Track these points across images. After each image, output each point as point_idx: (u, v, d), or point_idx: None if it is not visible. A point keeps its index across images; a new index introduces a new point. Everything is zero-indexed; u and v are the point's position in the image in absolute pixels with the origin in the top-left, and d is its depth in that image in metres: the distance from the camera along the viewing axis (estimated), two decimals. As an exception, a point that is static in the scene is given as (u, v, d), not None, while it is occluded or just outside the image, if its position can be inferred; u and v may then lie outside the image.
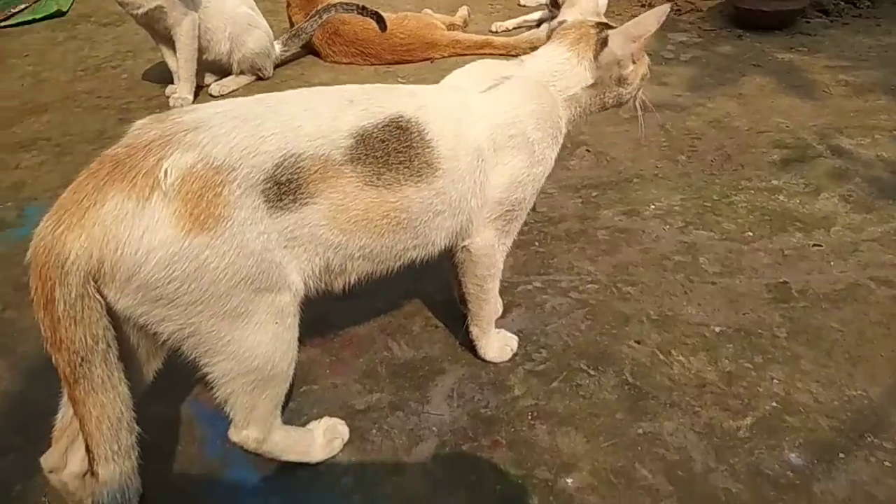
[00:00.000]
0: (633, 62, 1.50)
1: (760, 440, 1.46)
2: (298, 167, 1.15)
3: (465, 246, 1.48)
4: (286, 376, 1.26)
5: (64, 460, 1.18)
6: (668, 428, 1.49)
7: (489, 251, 1.50)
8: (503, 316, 1.81)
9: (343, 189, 1.21)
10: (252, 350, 1.17)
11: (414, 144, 1.29)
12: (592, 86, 1.51)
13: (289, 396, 1.51)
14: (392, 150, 1.26)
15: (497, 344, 1.65)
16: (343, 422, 1.49)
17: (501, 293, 1.71)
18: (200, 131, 1.09)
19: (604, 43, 1.48)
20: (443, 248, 1.44)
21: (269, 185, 1.12)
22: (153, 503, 1.32)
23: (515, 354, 1.68)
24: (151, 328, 1.08)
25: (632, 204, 2.31)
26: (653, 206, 2.29)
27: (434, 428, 1.51)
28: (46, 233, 1.01)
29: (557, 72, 1.50)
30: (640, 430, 1.49)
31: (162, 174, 1.02)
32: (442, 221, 1.37)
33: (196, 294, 1.06)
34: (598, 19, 1.56)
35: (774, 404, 1.55)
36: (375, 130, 1.25)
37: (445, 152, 1.33)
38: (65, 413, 1.17)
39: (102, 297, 1.02)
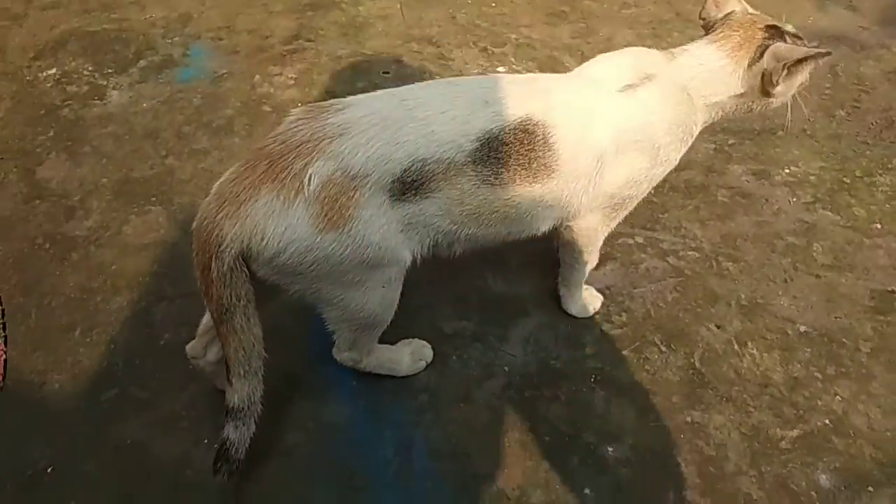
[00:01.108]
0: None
1: (798, 455, 1.57)
2: (425, 170, 1.26)
3: (568, 226, 1.57)
4: (385, 322, 1.47)
5: (204, 352, 1.48)
6: (717, 422, 1.62)
7: (591, 234, 1.58)
8: (597, 268, 1.90)
9: (461, 187, 1.31)
10: (360, 307, 1.38)
11: (536, 148, 1.35)
12: (741, 95, 1.46)
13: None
14: (514, 152, 1.33)
15: (581, 301, 1.78)
16: (429, 345, 1.71)
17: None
18: (345, 139, 1.21)
19: (762, 53, 1.40)
20: (548, 231, 1.53)
21: (395, 184, 1.25)
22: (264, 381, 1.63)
23: (597, 311, 1.81)
24: (283, 288, 1.30)
25: (765, 163, 2.23)
26: (786, 171, 2.21)
27: (506, 367, 1.71)
28: (209, 214, 1.21)
29: (708, 78, 1.45)
30: (689, 419, 1.63)
31: (307, 180, 1.17)
32: (549, 213, 1.45)
33: (322, 273, 1.26)
34: (768, 20, 1.46)
35: (827, 422, 1.63)
36: (502, 134, 1.31)
37: (565, 155, 1.38)
38: (208, 318, 1.44)
39: (248, 268, 1.23)
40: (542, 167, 1.37)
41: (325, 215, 1.19)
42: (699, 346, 1.76)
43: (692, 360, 1.73)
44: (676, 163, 1.53)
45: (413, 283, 1.83)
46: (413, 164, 1.26)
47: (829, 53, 1.44)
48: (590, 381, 1.69)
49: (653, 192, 2.04)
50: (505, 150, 1.33)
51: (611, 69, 1.49)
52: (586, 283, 1.83)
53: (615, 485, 1.51)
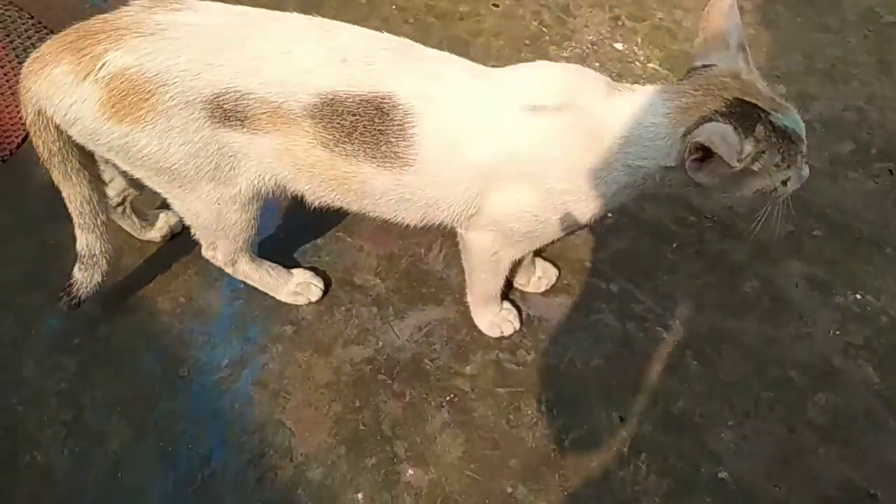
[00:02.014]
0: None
1: None
2: (243, 102, 1.17)
3: (460, 232, 1.39)
4: (237, 239, 1.44)
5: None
6: (537, 510, 1.42)
7: (484, 251, 1.39)
8: (548, 293, 1.69)
9: (293, 137, 1.20)
10: (194, 215, 1.37)
11: (389, 133, 1.18)
12: (672, 169, 1.15)
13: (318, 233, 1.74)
14: (361, 126, 1.18)
15: (489, 318, 1.60)
16: (321, 285, 1.66)
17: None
18: (154, 39, 1.14)
19: (699, 124, 1.09)
20: (424, 225, 1.37)
21: (210, 106, 1.18)
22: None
23: (507, 336, 1.62)
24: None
25: (837, 275, 1.76)
26: (855, 296, 1.73)
27: (381, 343, 1.62)
28: (30, 61, 1.22)
29: (635, 136, 1.16)
30: (510, 490, 1.44)
31: (100, 64, 1.14)
32: (409, 207, 1.30)
33: (126, 162, 1.25)
34: (753, 91, 1.12)
35: None
36: (350, 101, 1.17)
37: (428, 155, 1.20)
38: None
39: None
40: (393, 155, 1.20)
41: (113, 106, 1.16)
42: (584, 427, 1.52)
43: (563, 438, 1.50)
44: (593, 215, 1.27)
45: (361, 221, 1.78)
46: (228, 93, 1.17)
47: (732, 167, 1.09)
48: (444, 399, 1.55)
49: (669, 246, 1.76)
50: (350, 119, 1.18)
51: (532, 79, 1.24)
52: (526, 302, 1.65)
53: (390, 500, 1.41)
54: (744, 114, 1.10)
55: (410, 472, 1.46)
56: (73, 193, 1.35)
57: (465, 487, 1.44)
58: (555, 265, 1.72)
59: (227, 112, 1.18)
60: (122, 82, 1.15)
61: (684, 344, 1.63)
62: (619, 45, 2.21)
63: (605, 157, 1.19)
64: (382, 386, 1.56)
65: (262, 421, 1.51)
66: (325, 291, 1.68)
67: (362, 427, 1.51)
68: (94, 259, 1.45)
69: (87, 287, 1.49)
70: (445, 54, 1.27)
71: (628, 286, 1.72)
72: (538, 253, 1.66)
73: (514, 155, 1.21)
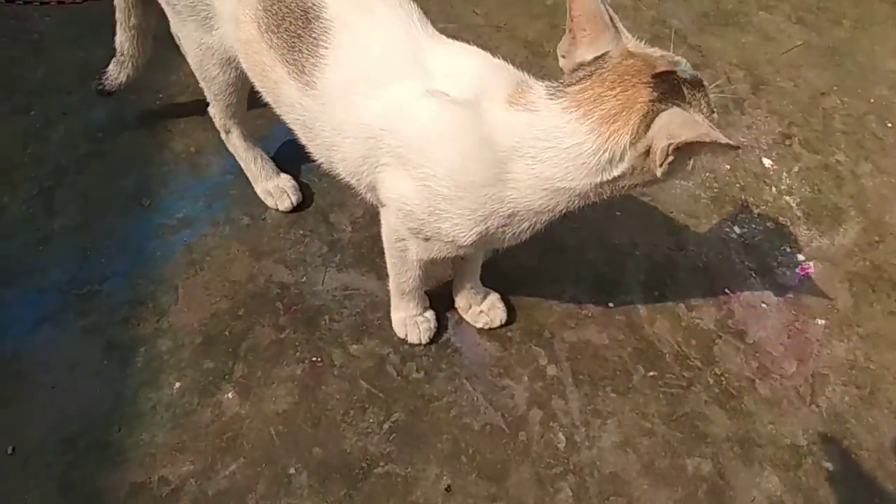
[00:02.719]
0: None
1: None
2: None
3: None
4: (217, 97, 1.48)
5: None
6: (300, 508, 1.29)
7: (389, 232, 1.28)
8: (488, 335, 1.52)
9: (243, 8, 1.19)
10: (186, 52, 1.43)
11: (304, 41, 1.14)
12: (612, 181, 1.01)
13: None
14: (287, 22, 1.15)
15: (401, 315, 1.47)
16: (295, 201, 1.65)
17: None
18: None
19: (650, 123, 0.95)
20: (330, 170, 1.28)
21: None
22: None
23: (414, 343, 1.48)
24: None
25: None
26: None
27: (305, 278, 1.57)
28: None
29: (553, 160, 1.00)
30: None
31: None
32: (313, 139, 1.22)
33: None
34: (656, 60, 0.99)
35: None
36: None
37: (329, 85, 1.14)
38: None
39: None
40: (301, 68, 1.14)
41: None
42: (405, 471, 1.34)
43: (379, 466, 1.34)
44: (478, 237, 1.11)
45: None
46: None
47: (737, 147, 0.94)
48: (310, 358, 1.46)
49: (644, 370, 1.48)
50: (283, 11, 1.15)
51: (455, 61, 1.09)
52: (457, 327, 1.51)
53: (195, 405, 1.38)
54: (670, 88, 0.95)
55: (229, 395, 1.40)
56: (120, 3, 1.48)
57: (257, 439, 1.35)
58: (511, 310, 1.53)
59: None
60: None
61: (575, 470, 1.36)
62: (767, 161, 1.88)
63: (497, 173, 1.03)
64: (272, 312, 1.51)
65: (164, 278, 1.55)
66: (298, 209, 1.66)
67: (226, 333, 1.48)
68: (124, 59, 1.59)
69: (112, 81, 1.64)
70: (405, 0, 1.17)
71: (566, 379, 1.47)
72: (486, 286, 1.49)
73: (398, 134, 1.08)
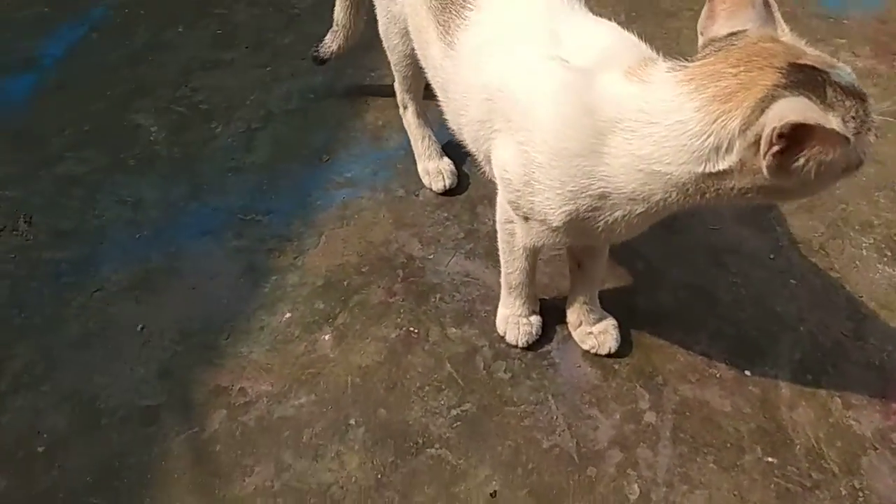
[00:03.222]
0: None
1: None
2: None
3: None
4: (397, 66, 1.58)
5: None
6: None
7: (500, 212, 1.25)
8: (594, 361, 1.41)
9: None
10: (378, 18, 1.54)
11: (454, 3, 1.13)
12: (721, 175, 0.88)
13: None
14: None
15: (505, 312, 1.42)
16: (449, 184, 1.68)
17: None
18: None
19: (765, 107, 0.82)
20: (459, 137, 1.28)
21: None
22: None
23: (511, 345, 1.42)
24: None
25: None
26: None
27: (433, 256, 1.59)
28: None
29: (653, 133, 0.90)
30: None
31: None
32: (447, 101, 1.24)
33: None
34: (799, 52, 0.87)
35: None
36: None
37: (466, 47, 1.16)
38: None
39: None
40: (447, 29, 1.16)
41: None
42: (459, 484, 1.28)
43: (413, 452, 1.30)
44: (567, 218, 1.05)
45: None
46: None
47: (847, 140, 0.80)
48: (407, 329, 1.47)
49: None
50: None
51: (588, 32, 1.00)
52: (562, 344, 1.43)
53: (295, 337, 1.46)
54: (807, 81, 0.81)
55: (326, 337, 1.46)
56: None
57: (334, 383, 1.38)
58: (627, 343, 1.40)
59: None
60: None
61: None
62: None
63: (593, 144, 0.95)
64: (391, 276, 1.55)
65: (315, 224, 1.67)
66: (450, 193, 1.69)
67: (345, 283, 1.55)
68: (337, 29, 1.75)
69: (326, 50, 1.82)
70: None
71: (664, 432, 1.30)
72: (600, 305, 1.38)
73: (510, 94, 1.05)
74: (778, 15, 0.92)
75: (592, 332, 1.40)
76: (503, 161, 1.10)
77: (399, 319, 1.47)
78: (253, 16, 2.30)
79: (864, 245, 1.62)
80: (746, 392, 1.36)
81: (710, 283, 1.55)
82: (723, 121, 0.85)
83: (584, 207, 1.01)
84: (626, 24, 1.11)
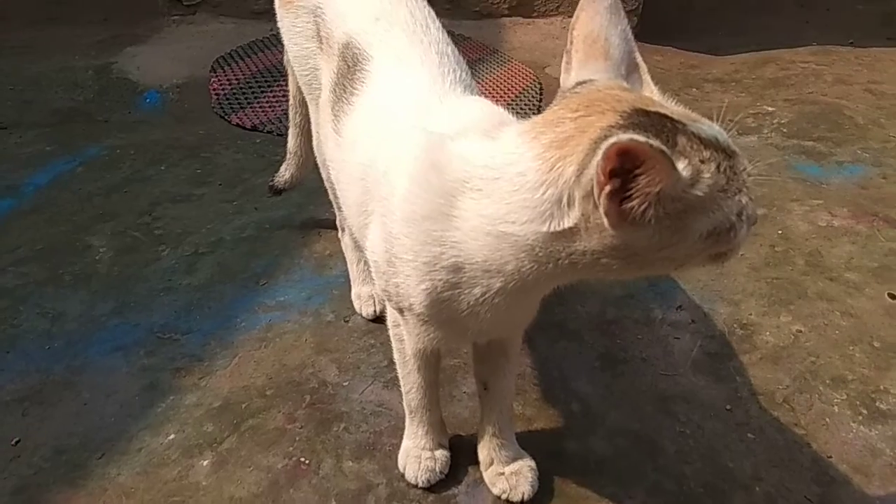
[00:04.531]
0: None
1: None
2: (322, 23, 1.28)
3: None
4: (325, 176, 1.51)
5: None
6: None
7: (388, 313, 1.13)
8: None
9: (331, 66, 1.22)
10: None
11: (346, 91, 1.11)
12: (565, 234, 0.78)
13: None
14: (341, 74, 1.14)
15: (410, 452, 1.25)
16: (373, 312, 1.59)
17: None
18: None
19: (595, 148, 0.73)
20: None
21: (315, 18, 1.31)
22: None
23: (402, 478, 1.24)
24: None
25: None
26: None
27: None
28: None
29: (497, 189, 0.82)
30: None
31: None
32: (340, 193, 1.16)
33: None
34: (653, 101, 0.79)
35: None
36: (353, 50, 1.14)
37: (349, 133, 1.08)
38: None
39: None
40: (338, 115, 1.12)
41: None
42: None
43: None
44: (428, 301, 0.93)
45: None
46: (318, 12, 1.28)
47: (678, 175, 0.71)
48: (292, 460, 1.30)
49: None
50: (345, 66, 1.14)
51: (458, 111, 0.93)
52: (473, 489, 1.25)
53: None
54: (651, 124, 0.71)
55: (204, 462, 1.29)
56: (290, 83, 1.67)
57: None
58: (547, 492, 1.20)
59: (319, 29, 1.29)
60: None
61: None
62: None
63: (442, 205, 0.86)
64: (296, 401, 1.41)
65: (232, 346, 1.57)
66: (380, 321, 1.59)
67: (242, 406, 1.41)
68: (290, 158, 1.76)
69: (280, 179, 1.82)
70: (450, 51, 1.10)
71: None
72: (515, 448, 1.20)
73: (376, 166, 0.98)
74: (647, 77, 0.86)
75: (504, 472, 1.21)
76: (371, 242, 1.01)
77: (291, 448, 1.31)
78: (235, 160, 2.37)
79: (835, 401, 1.43)
80: (684, 561, 1.12)
81: (653, 431, 1.36)
82: (559, 168, 0.76)
83: (442, 284, 0.90)
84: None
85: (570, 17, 0.87)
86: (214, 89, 2.83)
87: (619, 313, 1.67)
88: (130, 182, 2.23)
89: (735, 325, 1.64)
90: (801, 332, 1.61)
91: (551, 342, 1.58)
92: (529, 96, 2.75)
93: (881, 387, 1.45)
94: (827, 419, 1.38)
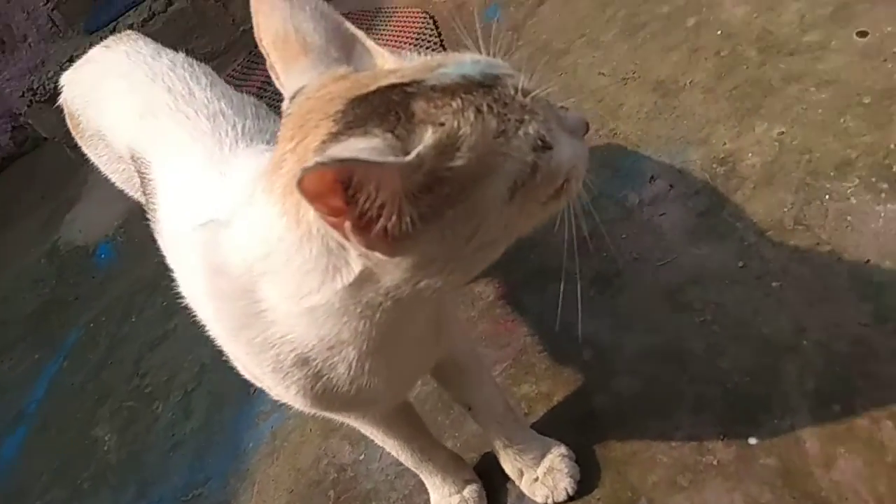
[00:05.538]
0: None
1: None
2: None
3: None
4: None
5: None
6: None
7: None
8: None
9: None
10: None
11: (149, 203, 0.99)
12: (364, 279, 0.64)
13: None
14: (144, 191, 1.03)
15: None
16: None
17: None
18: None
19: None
20: None
21: None
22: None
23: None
24: None
25: None
26: None
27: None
28: None
29: (275, 265, 0.67)
30: None
31: None
32: None
33: None
34: (364, 80, 0.63)
35: None
36: (136, 163, 1.05)
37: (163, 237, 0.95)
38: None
39: None
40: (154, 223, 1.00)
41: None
42: None
43: None
44: (306, 401, 0.80)
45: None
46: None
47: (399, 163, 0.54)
48: None
49: None
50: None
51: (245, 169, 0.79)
52: None
53: None
54: (372, 113, 0.58)
55: None
56: None
57: None
58: (593, 466, 1.07)
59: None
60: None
61: None
62: None
63: (245, 308, 0.72)
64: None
65: (248, 473, 1.49)
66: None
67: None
68: None
69: None
70: (223, 106, 0.95)
71: None
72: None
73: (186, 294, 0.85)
74: (370, 43, 0.69)
75: (538, 476, 1.07)
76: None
77: None
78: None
79: (848, 191, 1.22)
80: (759, 470, 0.97)
81: (674, 337, 1.19)
82: (303, 216, 0.61)
83: (305, 381, 0.76)
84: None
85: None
86: (148, 211, 2.75)
87: (592, 223, 1.48)
88: (111, 351, 2.18)
89: (714, 165, 1.44)
90: (782, 133, 1.39)
91: (539, 292, 1.42)
92: (427, 36, 2.53)
93: (891, 146, 1.23)
94: (848, 218, 1.18)
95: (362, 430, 1.05)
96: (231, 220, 0.73)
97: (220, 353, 1.54)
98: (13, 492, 1.92)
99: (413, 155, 0.54)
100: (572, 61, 1.94)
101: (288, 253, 0.64)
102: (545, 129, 0.60)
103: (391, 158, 0.54)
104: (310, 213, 0.60)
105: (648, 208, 1.45)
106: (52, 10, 3.48)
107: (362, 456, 1.35)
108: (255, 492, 1.43)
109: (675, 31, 1.77)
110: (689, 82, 1.63)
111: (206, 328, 0.92)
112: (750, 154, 1.40)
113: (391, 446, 1.06)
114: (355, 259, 0.61)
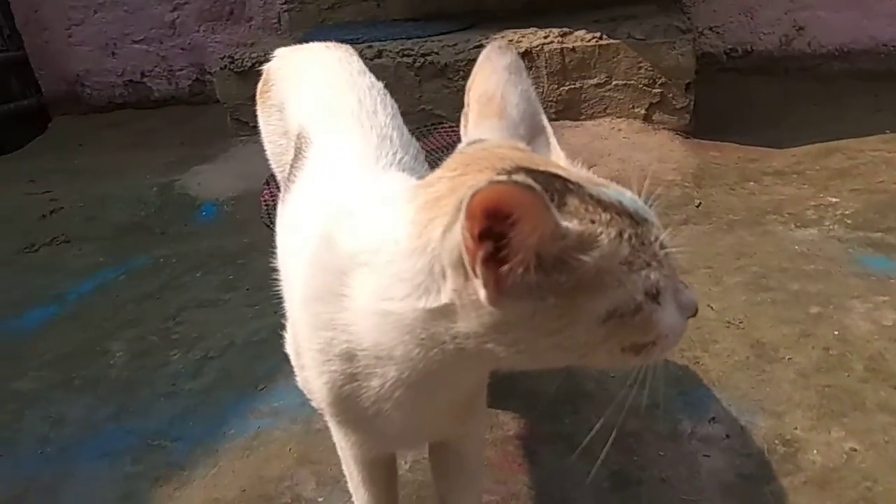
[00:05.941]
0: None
1: None
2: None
3: None
4: None
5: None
6: None
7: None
8: None
9: None
10: None
11: (294, 175, 1.09)
12: (447, 314, 0.68)
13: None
14: (292, 163, 1.14)
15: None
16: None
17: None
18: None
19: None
20: None
21: None
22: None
23: None
24: None
25: None
26: None
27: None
28: None
29: (377, 261, 0.73)
30: None
31: None
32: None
33: None
34: (537, 160, 0.70)
35: None
36: (299, 140, 1.14)
37: (284, 221, 1.05)
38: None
39: None
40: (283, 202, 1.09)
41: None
42: None
43: None
44: (324, 388, 0.83)
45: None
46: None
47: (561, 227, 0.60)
48: None
49: None
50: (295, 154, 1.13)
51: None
52: None
53: None
54: (537, 182, 0.59)
55: None
56: None
57: None
58: None
59: (284, 124, 1.30)
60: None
61: None
62: None
63: (332, 284, 0.77)
64: None
65: (217, 453, 1.50)
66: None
67: None
68: None
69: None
70: (395, 136, 1.05)
71: None
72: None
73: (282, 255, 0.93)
74: (554, 140, 0.77)
75: None
76: (287, 333, 0.95)
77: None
78: (269, 266, 2.39)
79: (896, 535, 1.17)
80: None
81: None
82: (429, 230, 0.67)
83: (338, 375, 0.80)
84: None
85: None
86: (265, 200, 2.91)
87: (640, 425, 1.48)
88: (164, 289, 2.28)
89: (776, 442, 1.42)
90: (855, 450, 1.37)
91: (556, 457, 1.41)
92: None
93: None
94: None
95: (344, 465, 1.06)
96: (360, 210, 0.81)
97: (252, 340, 1.60)
98: (11, 356, 1.98)
99: (565, 223, 0.60)
100: (689, 282, 1.99)
101: (395, 255, 0.70)
102: (663, 284, 0.65)
103: (555, 211, 0.60)
104: (436, 232, 0.66)
105: (697, 443, 1.43)
106: (285, 10, 3.89)
107: (322, 498, 1.34)
108: (212, 473, 1.43)
109: (795, 308, 1.80)
110: (788, 358, 1.64)
111: (281, 291, 1.00)
112: (815, 451, 1.38)
113: (360, 497, 1.06)
114: (448, 291, 0.66)
